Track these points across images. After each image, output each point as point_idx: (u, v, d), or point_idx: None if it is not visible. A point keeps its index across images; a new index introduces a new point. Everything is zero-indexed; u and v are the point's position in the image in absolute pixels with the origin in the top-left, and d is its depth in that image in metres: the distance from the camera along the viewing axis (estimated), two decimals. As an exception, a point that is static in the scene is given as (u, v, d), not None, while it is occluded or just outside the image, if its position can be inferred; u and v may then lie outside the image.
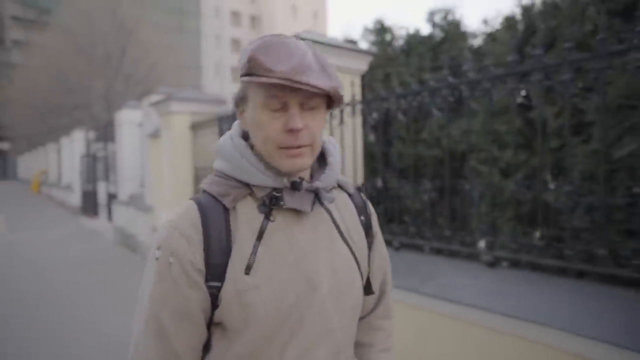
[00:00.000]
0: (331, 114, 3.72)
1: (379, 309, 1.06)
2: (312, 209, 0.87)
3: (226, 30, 54.60)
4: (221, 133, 5.38)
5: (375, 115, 3.56)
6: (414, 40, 4.37)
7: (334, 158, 0.94)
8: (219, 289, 0.81)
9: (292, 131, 0.80)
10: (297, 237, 0.86)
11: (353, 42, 4.80)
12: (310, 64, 0.79)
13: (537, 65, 2.25)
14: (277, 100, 0.80)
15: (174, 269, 0.81)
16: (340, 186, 0.97)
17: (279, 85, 0.78)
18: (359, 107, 3.50)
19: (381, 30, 4.65)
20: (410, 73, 4.23)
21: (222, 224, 0.83)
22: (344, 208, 0.96)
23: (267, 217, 0.85)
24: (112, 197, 10.65)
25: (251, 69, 0.79)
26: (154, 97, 7.51)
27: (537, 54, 2.25)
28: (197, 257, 0.81)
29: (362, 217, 0.99)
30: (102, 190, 12.19)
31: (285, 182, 0.85)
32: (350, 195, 0.99)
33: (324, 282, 0.86)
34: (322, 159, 0.95)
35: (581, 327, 1.98)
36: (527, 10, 3.61)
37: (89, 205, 12.72)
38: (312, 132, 0.83)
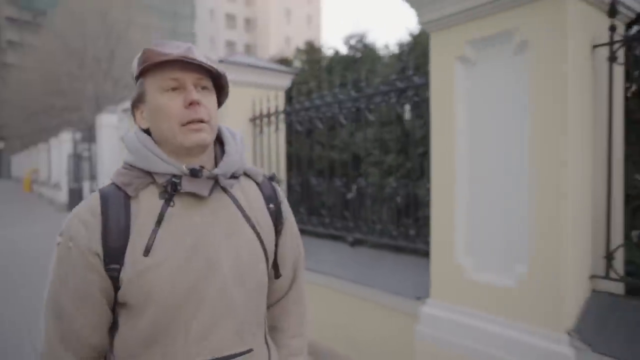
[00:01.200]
0: (260, 122, 4.51)
1: (291, 294, 1.11)
2: (210, 194, 0.92)
3: (221, 32, 55.20)
4: None
5: (298, 123, 4.34)
6: (335, 60, 5.15)
7: (230, 146, 0.99)
8: (118, 271, 0.87)
9: (191, 104, 0.88)
10: (195, 220, 0.91)
11: (287, 60, 5.59)
12: (195, 52, 0.91)
13: (408, 84, 2.91)
14: (174, 81, 0.89)
15: (72, 253, 0.87)
16: (248, 175, 1.03)
17: (174, 67, 0.88)
18: (281, 116, 4.27)
19: (311, 50, 5.42)
20: (330, 88, 5.01)
21: (122, 211, 0.88)
22: (251, 195, 1.02)
23: (167, 202, 0.90)
24: (94, 194, 11.39)
25: (147, 60, 0.89)
26: (127, 104, 8.27)
27: (409, 75, 2.94)
28: (94, 242, 0.87)
29: (271, 205, 1.04)
30: (87, 188, 12.97)
31: (184, 169, 0.90)
32: (258, 183, 1.04)
33: (223, 262, 0.91)
34: (223, 148, 1.01)
35: (389, 285, 2.78)
36: (415, 37, 4.40)
37: (75, 202, 13.47)
38: (208, 109, 0.91)
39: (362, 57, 5.00)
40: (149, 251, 0.87)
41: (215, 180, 0.93)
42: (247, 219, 0.97)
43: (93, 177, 11.83)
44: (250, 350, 0.95)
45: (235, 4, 57.34)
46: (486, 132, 2.23)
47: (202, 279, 0.89)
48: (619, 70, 2.06)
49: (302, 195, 4.38)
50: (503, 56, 2.13)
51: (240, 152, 1.00)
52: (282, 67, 4.99)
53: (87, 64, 21.40)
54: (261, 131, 4.50)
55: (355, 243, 3.45)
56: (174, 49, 0.89)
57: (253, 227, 0.97)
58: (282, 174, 4.62)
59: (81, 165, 13.08)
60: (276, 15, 57.31)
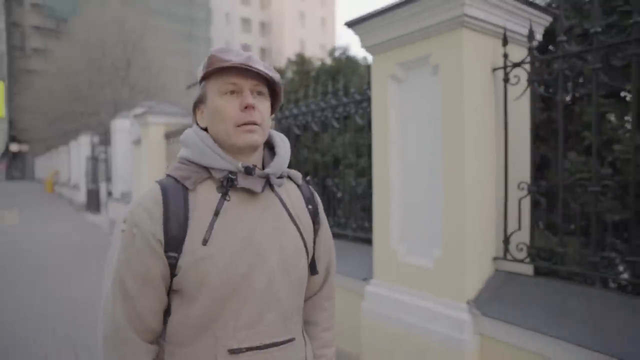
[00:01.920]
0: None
1: (324, 290, 1.18)
2: (262, 191, 0.99)
3: (236, 36, 56.07)
4: None
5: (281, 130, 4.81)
6: (321, 70, 5.62)
7: (280, 149, 1.06)
8: (176, 259, 0.92)
9: (246, 108, 0.94)
10: (248, 215, 0.98)
11: (279, 71, 6.07)
12: (257, 59, 0.98)
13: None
14: (233, 85, 0.96)
15: (137, 239, 0.93)
16: (290, 177, 1.09)
17: (234, 72, 0.95)
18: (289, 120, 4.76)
19: (301, 61, 5.90)
20: (315, 96, 5.49)
21: (181, 203, 0.94)
22: (293, 195, 1.08)
23: (224, 196, 0.96)
24: (110, 195, 12.09)
25: (211, 65, 0.96)
26: (138, 110, 8.89)
27: (365, 89, 3.36)
28: (157, 229, 0.92)
29: (310, 206, 1.11)
30: (103, 189, 13.69)
31: (240, 166, 0.96)
32: (298, 186, 1.11)
33: (271, 256, 0.97)
34: (271, 151, 1.08)
35: (345, 269, 3.22)
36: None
37: (93, 202, 14.21)
38: (261, 113, 0.97)
39: (343, 69, 5.46)
40: (207, 241, 0.92)
41: (266, 179, 1.00)
42: (291, 216, 1.04)
43: (109, 179, 12.52)
44: (293, 339, 1.02)
45: (251, 7, 58.12)
46: (413, 139, 2.68)
47: (252, 270, 0.95)
48: (517, 88, 2.48)
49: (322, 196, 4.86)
50: (423, 76, 2.58)
51: (288, 154, 1.07)
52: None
53: (105, 71, 22.36)
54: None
55: (338, 235, 3.92)
56: (235, 56, 0.96)
57: (296, 225, 1.04)
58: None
59: (98, 167, 13.82)
60: (291, 18, 57.80)
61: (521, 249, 2.37)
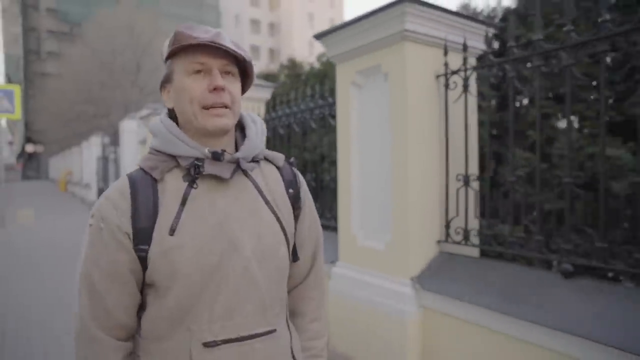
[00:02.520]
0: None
1: (310, 279, 1.13)
2: (231, 177, 0.95)
3: (245, 37, 56.64)
4: None
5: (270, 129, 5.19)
6: (310, 74, 6.00)
7: (251, 130, 1.02)
8: (146, 251, 0.90)
9: (215, 90, 0.91)
10: (218, 202, 0.94)
11: (273, 74, 6.48)
12: (226, 37, 0.93)
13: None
14: (200, 65, 0.92)
15: (104, 233, 0.91)
16: (268, 159, 1.05)
17: (202, 51, 0.91)
18: (275, 121, 5.15)
19: (292, 66, 6.29)
20: (304, 98, 5.87)
21: (149, 193, 0.92)
22: (270, 179, 1.03)
23: (191, 184, 0.93)
24: (119, 193, 12.62)
25: (177, 42, 0.92)
26: (144, 112, 9.35)
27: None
28: (124, 222, 0.90)
29: (291, 190, 1.05)
30: (113, 187, 14.21)
31: (207, 152, 0.93)
32: (278, 168, 1.06)
33: (246, 244, 0.94)
34: (243, 134, 1.03)
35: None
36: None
37: (103, 200, 14.78)
38: (232, 94, 0.93)
39: (330, 72, 5.83)
40: (174, 231, 0.89)
41: (237, 164, 0.96)
42: (267, 202, 0.99)
43: (118, 178, 13.05)
44: (274, 331, 0.98)
45: (260, 9, 58.62)
46: (370, 139, 3.05)
47: (225, 259, 0.91)
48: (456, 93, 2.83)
49: None
50: (377, 83, 2.95)
51: (261, 137, 1.03)
52: (264, 82, 5.89)
53: (116, 73, 23.04)
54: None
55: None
56: (203, 33, 0.92)
57: (273, 211, 0.99)
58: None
59: (108, 167, 14.37)
60: (299, 19, 58.14)
61: (459, 233, 2.72)
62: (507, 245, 2.47)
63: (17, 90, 10.51)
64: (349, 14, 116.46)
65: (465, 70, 2.64)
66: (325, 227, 4.05)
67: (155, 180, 0.94)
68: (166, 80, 0.99)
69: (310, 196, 1.13)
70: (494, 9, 3.77)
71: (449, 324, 2.54)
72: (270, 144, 5.34)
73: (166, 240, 0.90)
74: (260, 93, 5.78)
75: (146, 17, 26.42)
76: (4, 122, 32.41)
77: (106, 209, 0.92)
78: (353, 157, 3.14)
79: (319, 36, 3.25)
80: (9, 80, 47.37)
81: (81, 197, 19.53)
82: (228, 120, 0.94)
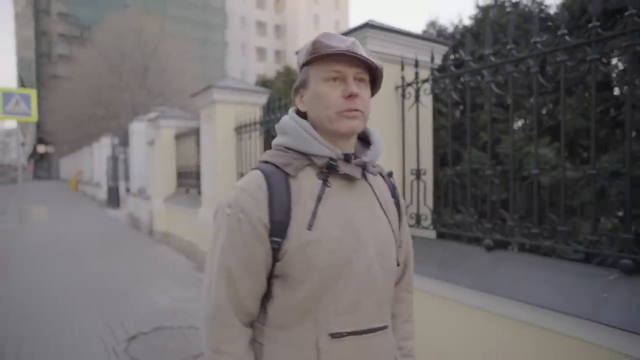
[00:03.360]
0: (242, 131, 5.96)
1: (403, 282, 1.19)
2: (359, 179, 1.02)
3: (251, 39, 57.32)
4: (197, 141, 7.59)
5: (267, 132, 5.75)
6: (303, 81, 6.57)
7: (375, 138, 1.10)
8: (279, 244, 0.95)
9: (350, 96, 0.97)
10: (347, 202, 1.00)
11: (269, 81, 7.05)
12: (360, 46, 1.00)
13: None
14: (337, 72, 0.97)
15: (243, 224, 0.95)
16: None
17: (338, 59, 0.96)
18: (259, 127, 5.68)
19: (287, 73, 6.85)
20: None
21: (283, 189, 0.96)
22: (381, 186, 1.11)
23: (325, 182, 0.98)
24: (128, 191, 13.28)
25: (316, 51, 0.98)
26: (152, 114, 9.96)
27: None
28: (263, 214, 0.95)
29: (394, 198, 1.14)
30: (122, 187, 14.91)
31: (340, 153, 1.00)
32: (383, 177, 1.14)
33: (369, 243, 1.00)
34: (364, 142, 1.11)
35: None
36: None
37: (113, 198, 15.46)
38: (363, 100, 0.99)
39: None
40: (311, 226, 0.94)
41: (364, 168, 1.02)
42: (382, 206, 1.06)
43: (127, 177, 13.70)
44: (386, 327, 1.03)
45: (266, 11, 59.25)
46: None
47: (353, 256, 0.96)
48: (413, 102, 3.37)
49: None
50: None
51: (381, 146, 1.09)
52: (260, 88, 6.46)
53: (125, 76, 23.81)
54: (241, 138, 5.98)
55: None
56: (340, 42, 0.97)
57: (386, 215, 1.06)
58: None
59: (118, 167, 15.04)
60: (305, 21, 58.63)
61: (412, 218, 3.27)
62: (448, 227, 3.02)
63: (33, 94, 11.19)
64: (353, 16, 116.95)
65: (417, 82, 3.18)
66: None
67: (287, 176, 0.98)
68: (301, 86, 1.05)
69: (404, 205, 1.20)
70: (456, 27, 4.30)
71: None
72: (268, 144, 5.88)
73: (304, 235, 0.94)
74: (257, 98, 6.36)
75: (153, 20, 27.17)
76: (14, 124, 33.27)
77: (246, 201, 0.96)
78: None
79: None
80: (21, 82, 48.45)
81: (92, 196, 20.28)
82: (360, 123, 1.00)
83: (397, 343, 1.14)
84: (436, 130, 3.65)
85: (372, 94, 1.07)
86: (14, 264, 6.77)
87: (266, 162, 1.01)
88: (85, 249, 8.14)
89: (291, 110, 1.09)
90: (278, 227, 0.95)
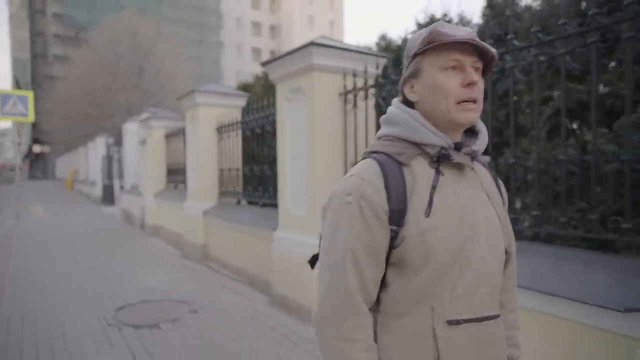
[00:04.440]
0: (222, 131, 6.60)
1: (508, 271, 1.16)
2: (470, 168, 1.03)
3: (247, 40, 57.77)
4: (185, 140, 8.18)
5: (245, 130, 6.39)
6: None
7: (482, 127, 1.08)
8: (396, 231, 0.95)
9: (470, 85, 0.96)
10: (460, 190, 1.01)
11: (249, 85, 7.69)
12: (475, 34, 0.98)
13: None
14: (455, 61, 0.96)
15: (365, 210, 0.95)
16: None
17: (455, 48, 0.96)
18: (239, 126, 6.31)
19: (265, 77, 7.50)
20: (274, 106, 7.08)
21: (398, 177, 0.97)
22: (485, 175, 1.10)
23: (438, 171, 0.99)
24: (122, 188, 13.90)
25: (433, 40, 0.97)
26: (144, 115, 10.59)
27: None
28: (383, 200, 0.95)
29: (497, 187, 1.13)
30: (117, 185, 15.55)
31: (450, 142, 0.99)
32: (484, 166, 1.12)
33: (482, 231, 1.00)
34: (468, 131, 1.09)
35: (264, 224, 4.82)
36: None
37: (108, 196, 16.08)
38: (480, 89, 0.98)
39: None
40: (429, 213, 0.95)
41: (473, 157, 1.03)
42: (487, 194, 1.07)
43: (121, 175, 14.33)
44: (498, 315, 1.05)
45: (261, 11, 59.64)
46: (296, 139, 4.26)
47: (468, 243, 0.97)
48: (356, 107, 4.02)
49: (259, 178, 6.27)
50: (300, 99, 4.16)
51: (487, 135, 1.09)
52: (239, 92, 7.12)
53: (119, 77, 24.41)
54: (222, 137, 6.64)
55: (264, 205, 5.51)
56: (457, 31, 0.97)
57: (492, 203, 1.07)
58: (240, 166, 6.71)
59: (112, 165, 15.66)
60: (300, 21, 58.98)
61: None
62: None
63: (30, 96, 11.80)
64: (348, 16, 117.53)
65: (355, 90, 3.85)
66: (271, 205, 5.26)
67: (400, 165, 0.99)
68: (412, 76, 1.04)
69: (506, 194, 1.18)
70: (404, 39, 4.96)
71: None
72: (247, 142, 6.50)
73: (422, 222, 0.95)
74: (237, 101, 7.01)
75: (149, 22, 27.74)
76: (9, 124, 33.62)
77: (365, 188, 0.96)
78: (287, 153, 4.37)
79: (263, 64, 4.48)
80: (17, 82, 48.82)
81: (87, 194, 20.87)
82: (476, 114, 1.00)
83: (505, 333, 1.12)
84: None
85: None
86: (15, 256, 7.40)
87: (376, 152, 1.03)
88: (80, 242, 8.77)
89: (396, 101, 1.10)
90: (396, 215, 0.96)
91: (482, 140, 1.06)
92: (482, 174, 1.09)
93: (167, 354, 3.38)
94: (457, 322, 0.96)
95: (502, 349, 1.04)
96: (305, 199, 4.10)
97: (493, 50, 0.98)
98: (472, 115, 0.98)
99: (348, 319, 0.95)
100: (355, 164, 3.38)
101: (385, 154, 1.00)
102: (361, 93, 3.84)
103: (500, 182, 1.17)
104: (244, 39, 57.90)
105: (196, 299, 4.76)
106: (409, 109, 1.04)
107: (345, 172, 4.03)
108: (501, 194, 1.14)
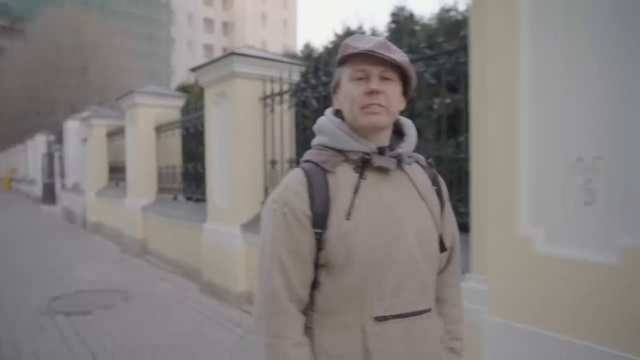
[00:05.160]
0: (160, 130, 6.87)
1: (450, 268, 1.23)
2: (394, 170, 1.08)
3: (199, 36, 56.79)
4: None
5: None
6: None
7: (410, 130, 1.15)
8: (321, 234, 1.01)
9: (371, 92, 1.02)
10: (384, 192, 1.06)
11: (190, 86, 7.99)
12: (386, 44, 1.03)
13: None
14: (361, 72, 1.03)
15: (288, 216, 1.03)
16: (414, 160, 1.15)
17: (363, 59, 1.02)
18: (177, 125, 6.60)
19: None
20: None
21: (322, 183, 1.04)
22: (419, 175, 1.15)
23: (361, 175, 1.05)
24: (64, 187, 13.66)
25: (343, 52, 1.05)
26: (85, 113, 10.57)
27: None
28: (305, 207, 1.02)
29: (434, 186, 1.17)
30: (58, 183, 15.20)
31: (373, 147, 1.05)
32: (422, 167, 1.18)
33: (408, 230, 1.05)
34: (399, 135, 1.15)
35: (197, 218, 5.22)
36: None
37: (48, 195, 15.69)
38: (387, 97, 1.03)
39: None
40: (349, 215, 1.01)
41: (397, 159, 1.08)
42: (420, 194, 1.11)
43: (63, 174, 14.06)
44: (430, 310, 1.11)
45: (213, 8, 58.77)
46: (222, 139, 4.68)
47: (393, 242, 1.03)
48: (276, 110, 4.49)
49: (193, 175, 6.39)
50: (225, 103, 4.59)
51: (415, 138, 1.15)
52: (178, 93, 7.43)
53: (61, 72, 23.56)
54: (160, 137, 6.93)
55: (198, 200, 5.89)
56: (366, 43, 1.03)
57: (425, 202, 1.11)
58: (178, 164, 7.01)
59: (53, 164, 15.30)
60: (253, 19, 58.58)
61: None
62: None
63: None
64: (302, 16, 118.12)
65: (272, 95, 4.32)
66: (204, 200, 5.64)
67: (325, 172, 1.05)
68: (336, 85, 1.13)
69: (447, 193, 1.23)
70: (325, 48, 5.49)
71: (260, 250, 4.21)
72: (185, 141, 6.80)
73: (343, 224, 1.01)
74: (176, 102, 7.31)
75: (93, 16, 26.90)
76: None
77: (288, 196, 1.04)
78: (214, 151, 4.78)
79: (193, 70, 4.86)
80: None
81: (27, 193, 20.13)
82: (380, 118, 1.04)
83: (445, 327, 1.19)
84: (304, 130, 4.80)
85: (408, 93, 1.12)
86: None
87: (307, 160, 1.10)
88: (19, 241, 8.72)
89: (328, 111, 1.16)
90: (319, 219, 1.02)
91: (409, 143, 1.12)
92: (415, 174, 1.14)
93: (97, 336, 3.71)
94: (385, 318, 1.02)
95: (434, 342, 1.11)
96: (230, 194, 4.53)
97: (397, 59, 1.01)
98: (375, 118, 1.03)
99: (276, 318, 1.03)
100: (273, 161, 3.86)
101: (313, 162, 1.08)
102: (278, 98, 4.32)
103: (441, 180, 1.21)
104: (195, 36, 56.88)
105: (130, 289, 5.08)
106: (335, 118, 1.11)
107: (265, 169, 4.50)
108: (440, 193, 1.18)
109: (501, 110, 2.13)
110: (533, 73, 2.08)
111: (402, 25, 4.79)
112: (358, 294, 1.02)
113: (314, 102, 4.09)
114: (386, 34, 5.00)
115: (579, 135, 1.93)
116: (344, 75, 1.07)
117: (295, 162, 4.61)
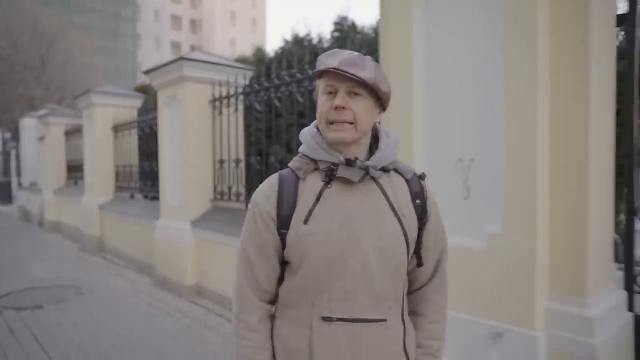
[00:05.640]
0: (117, 130, 6.98)
1: (433, 283, 1.24)
2: (360, 181, 1.11)
3: (166, 33, 55.82)
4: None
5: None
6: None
7: (383, 143, 1.16)
8: (285, 235, 1.11)
9: (336, 108, 1.06)
10: (346, 201, 1.11)
11: (147, 86, 8.09)
12: (355, 61, 1.06)
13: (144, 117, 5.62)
14: (331, 87, 1.08)
15: (256, 216, 1.14)
16: (398, 171, 1.18)
17: (332, 76, 1.06)
18: (134, 125, 6.72)
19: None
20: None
21: (292, 189, 1.13)
22: (398, 188, 1.17)
23: (326, 184, 1.11)
24: (20, 185, 13.38)
25: (318, 67, 1.09)
26: (42, 111, 10.45)
27: None
28: (271, 209, 1.12)
29: (418, 200, 1.18)
30: (15, 182, 14.84)
31: (342, 159, 1.10)
32: (407, 180, 1.19)
33: (366, 240, 1.09)
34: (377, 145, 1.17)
35: (151, 215, 5.40)
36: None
37: (4, 194, 15.30)
38: (354, 112, 1.07)
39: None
40: (307, 220, 1.09)
41: (367, 171, 1.11)
42: (392, 207, 1.13)
43: (19, 172, 13.77)
44: (384, 320, 1.12)
45: (181, 5, 57.84)
46: (175, 140, 4.89)
47: (347, 250, 1.08)
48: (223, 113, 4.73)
49: (149, 174, 6.37)
50: (176, 105, 4.80)
51: (392, 150, 1.17)
52: (135, 93, 7.55)
53: (18, 68, 22.80)
54: (117, 136, 7.03)
55: (153, 198, 6.06)
56: (335, 60, 1.07)
57: (396, 215, 1.13)
58: (134, 163, 7.13)
59: (9, 162, 14.93)
60: (221, 17, 58.04)
61: (220, 193, 4.65)
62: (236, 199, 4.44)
63: None
64: (271, 15, 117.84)
65: (220, 98, 4.57)
66: (158, 198, 5.82)
67: (297, 179, 1.14)
68: (316, 98, 1.17)
69: (437, 209, 1.23)
70: (276, 52, 5.77)
71: (209, 245, 4.46)
72: (142, 141, 6.92)
73: (300, 228, 1.09)
74: (133, 102, 7.43)
75: (52, 11, 26.15)
76: None
77: (260, 198, 1.15)
78: (166, 151, 4.99)
79: (146, 72, 5.05)
80: None
81: (-19, 193, 19.46)
82: (346, 134, 1.08)
83: (420, 342, 1.22)
84: (256, 131, 5.06)
85: (383, 107, 1.14)
86: None
87: (288, 166, 1.18)
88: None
89: (314, 122, 1.19)
90: (284, 221, 1.11)
91: (378, 156, 1.13)
92: (392, 186, 1.15)
93: (47, 328, 3.87)
94: (330, 319, 1.09)
95: (387, 353, 1.13)
96: (180, 192, 4.75)
97: (357, 75, 1.03)
98: (340, 134, 1.07)
99: (239, 303, 1.17)
100: (222, 161, 4.08)
101: (291, 168, 1.17)
102: (226, 101, 4.57)
103: (429, 195, 1.20)
104: (163, 33, 55.90)
105: (84, 284, 5.21)
106: (313, 129, 1.17)
107: (213, 168, 4.74)
108: (423, 206, 1.17)
109: (399, 111, 2.44)
110: (424, 73, 2.32)
111: (346, 34, 5.11)
112: (310, 292, 1.10)
113: (256, 105, 4.34)
114: (332, 42, 5.32)
115: (461, 138, 2.30)
116: (320, 88, 1.13)
117: (245, 162, 4.88)
